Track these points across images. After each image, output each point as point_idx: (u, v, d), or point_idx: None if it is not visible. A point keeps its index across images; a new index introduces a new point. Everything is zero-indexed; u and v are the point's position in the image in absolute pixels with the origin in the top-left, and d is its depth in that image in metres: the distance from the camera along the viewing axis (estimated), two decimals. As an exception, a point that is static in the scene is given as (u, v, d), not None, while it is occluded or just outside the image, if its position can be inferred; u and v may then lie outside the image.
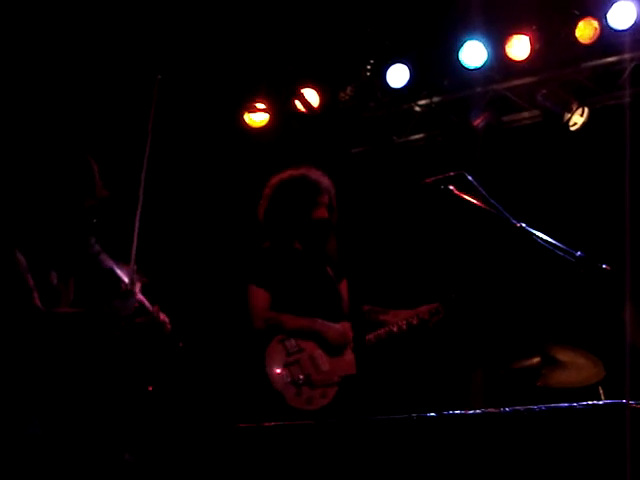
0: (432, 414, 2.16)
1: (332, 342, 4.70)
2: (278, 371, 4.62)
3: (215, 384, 6.83)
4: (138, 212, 3.76)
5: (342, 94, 6.81)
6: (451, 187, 4.51)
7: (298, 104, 6.76)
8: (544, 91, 6.56)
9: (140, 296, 3.77)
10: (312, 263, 4.92)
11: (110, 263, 3.77)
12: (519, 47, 6.34)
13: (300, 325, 4.71)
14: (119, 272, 3.77)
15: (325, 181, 4.90)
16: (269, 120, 6.99)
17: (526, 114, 6.87)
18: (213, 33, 6.26)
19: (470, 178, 4.51)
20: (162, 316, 3.89)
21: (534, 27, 6.27)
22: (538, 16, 6.27)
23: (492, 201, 4.36)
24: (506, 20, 6.34)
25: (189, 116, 6.84)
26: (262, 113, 6.97)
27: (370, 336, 4.78)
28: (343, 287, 4.96)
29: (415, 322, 4.84)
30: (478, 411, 2.13)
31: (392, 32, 6.58)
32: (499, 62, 6.48)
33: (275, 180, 5.01)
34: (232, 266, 5.35)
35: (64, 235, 3.70)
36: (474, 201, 4.48)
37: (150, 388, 6.96)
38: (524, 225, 4.17)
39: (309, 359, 4.69)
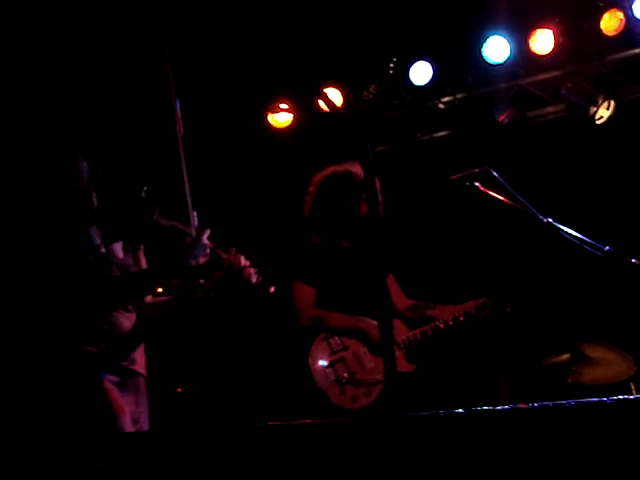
0: (460, 410, 2.14)
1: (376, 340, 4.61)
2: (322, 369, 4.60)
3: (259, 381, 6.86)
4: (185, 175, 3.70)
5: (365, 93, 6.79)
6: (477, 184, 4.49)
7: (321, 104, 6.76)
8: (569, 85, 6.51)
9: (209, 243, 3.66)
10: (359, 260, 4.87)
11: (170, 222, 3.69)
12: (543, 41, 6.29)
13: (344, 323, 4.67)
14: (182, 227, 3.69)
15: None
16: (292, 120, 7.00)
17: (551, 109, 6.82)
18: (235, 34, 6.27)
19: (495, 174, 4.50)
20: (241, 260, 3.76)
21: (557, 20, 6.22)
22: (561, 9, 6.22)
23: (518, 197, 4.34)
24: (529, 14, 6.29)
25: (213, 118, 6.86)
26: (285, 113, 6.97)
27: (416, 332, 4.76)
28: (389, 283, 4.93)
29: (462, 318, 4.77)
30: (507, 407, 2.11)
31: (414, 30, 6.55)
32: (523, 57, 6.44)
33: (319, 177, 4.97)
34: (277, 262, 5.35)
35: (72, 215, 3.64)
36: (500, 197, 4.47)
37: (179, 390, 7.02)
38: (551, 220, 4.15)
39: (354, 357, 4.65)
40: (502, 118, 6.68)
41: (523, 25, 6.32)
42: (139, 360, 3.69)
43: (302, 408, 4.66)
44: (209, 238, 3.65)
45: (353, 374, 4.59)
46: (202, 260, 3.62)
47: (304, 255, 4.87)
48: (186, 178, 3.69)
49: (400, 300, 4.95)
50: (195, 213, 3.69)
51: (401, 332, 4.75)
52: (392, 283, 4.97)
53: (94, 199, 3.68)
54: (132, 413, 3.60)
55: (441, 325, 4.76)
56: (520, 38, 6.34)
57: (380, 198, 4.79)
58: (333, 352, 4.65)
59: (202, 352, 7.16)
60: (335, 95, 6.71)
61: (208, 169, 6.87)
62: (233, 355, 7.15)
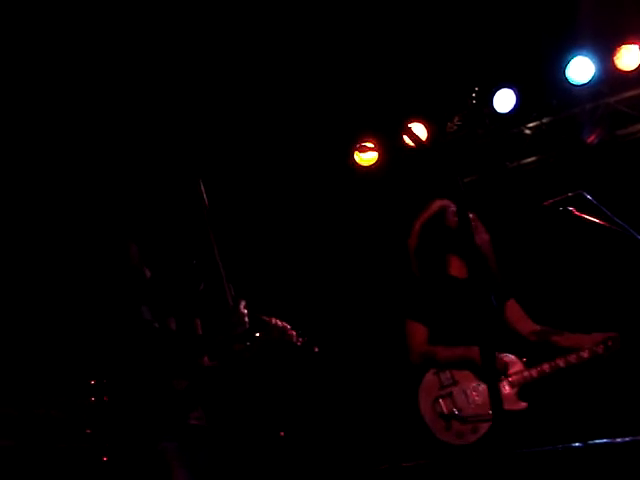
0: (577, 444, 2.07)
1: None
2: (429, 404, 4.56)
3: (370, 417, 6.87)
4: (215, 248, 3.82)
5: (450, 124, 6.78)
6: (570, 208, 4.41)
7: (407, 139, 6.77)
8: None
9: (245, 310, 3.78)
10: (470, 290, 4.79)
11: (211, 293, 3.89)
12: (628, 57, 6.18)
13: (454, 354, 4.60)
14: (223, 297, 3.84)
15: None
16: (378, 157, 7.02)
17: (641, 125, 6.68)
18: (320, 75, 6.35)
19: (589, 197, 4.41)
20: (282, 324, 3.93)
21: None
22: (645, 24, 6.12)
23: (615, 219, 4.24)
24: (612, 31, 6.20)
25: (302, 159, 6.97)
26: (371, 152, 7.01)
27: (532, 371, 4.58)
28: (509, 308, 4.82)
29: (586, 356, 4.50)
30: (627, 439, 2.03)
31: (495, 57, 6.52)
32: (608, 75, 6.33)
33: (424, 214, 4.98)
34: (387, 300, 5.36)
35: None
36: (596, 220, 4.38)
37: (282, 434, 7.04)
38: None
39: (462, 392, 4.57)
40: (591, 139, 6.57)
41: (606, 43, 6.23)
42: (197, 414, 3.81)
43: (410, 442, 4.63)
44: (245, 307, 3.78)
45: (460, 410, 4.52)
46: (241, 329, 3.76)
47: (413, 292, 4.84)
48: (216, 251, 3.82)
49: (524, 324, 4.81)
50: (231, 285, 3.82)
51: (514, 366, 4.63)
52: (513, 307, 4.85)
53: (147, 273, 3.84)
54: (190, 469, 3.71)
55: (562, 364, 4.57)
56: (604, 56, 6.25)
57: (484, 231, 4.78)
58: (442, 387, 4.59)
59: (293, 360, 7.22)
60: (420, 129, 6.71)
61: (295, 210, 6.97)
62: (342, 392, 7.18)
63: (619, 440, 1.90)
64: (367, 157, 7.06)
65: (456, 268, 4.85)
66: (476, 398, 4.55)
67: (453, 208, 4.79)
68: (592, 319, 5.86)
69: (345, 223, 7.33)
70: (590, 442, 1.91)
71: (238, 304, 3.78)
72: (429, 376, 4.62)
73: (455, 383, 4.57)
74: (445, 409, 4.52)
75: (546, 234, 6.43)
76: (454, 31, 6.25)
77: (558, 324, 4.81)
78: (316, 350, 3.96)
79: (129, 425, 3.67)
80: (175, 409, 3.75)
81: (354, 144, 7.02)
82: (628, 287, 6.07)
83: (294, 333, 3.93)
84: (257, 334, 3.90)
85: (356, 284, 7.34)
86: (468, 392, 4.57)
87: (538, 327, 4.78)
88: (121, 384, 3.75)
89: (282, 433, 7.05)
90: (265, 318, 3.92)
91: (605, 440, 1.94)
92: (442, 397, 4.55)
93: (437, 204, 4.91)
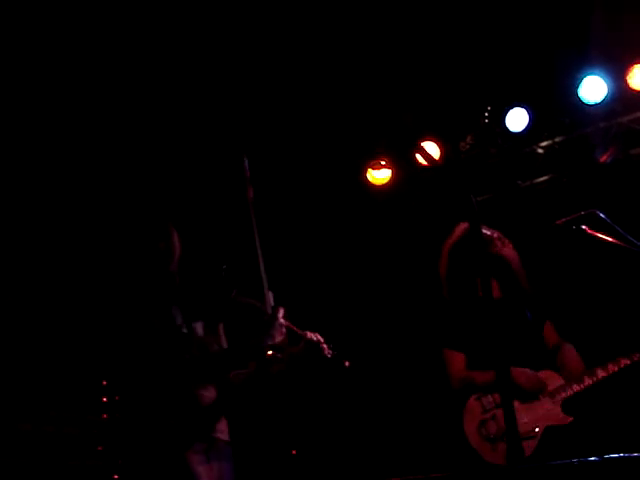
0: (594, 458, 2.07)
1: (524, 387, 4.53)
2: (473, 428, 4.60)
3: (416, 446, 6.85)
4: (260, 254, 3.78)
5: (462, 143, 6.79)
6: (583, 227, 4.40)
7: (420, 158, 6.79)
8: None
9: (284, 321, 3.75)
10: (506, 310, 4.80)
11: (247, 300, 3.82)
12: (641, 76, 6.18)
13: (491, 376, 4.56)
14: (259, 306, 3.78)
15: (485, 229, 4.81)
16: (391, 176, 7.03)
17: (655, 145, 6.67)
18: (334, 93, 6.37)
19: (603, 216, 4.40)
20: (315, 337, 3.86)
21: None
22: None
23: (629, 237, 4.23)
24: (624, 50, 6.20)
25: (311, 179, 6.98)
26: (384, 170, 7.02)
27: (573, 386, 4.59)
28: (546, 330, 4.82)
29: (629, 362, 4.54)
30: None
31: (508, 76, 6.53)
32: (620, 94, 6.33)
33: (451, 238, 4.97)
34: (422, 329, 5.35)
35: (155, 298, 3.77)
36: (609, 239, 4.36)
37: (294, 452, 7.02)
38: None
39: None
40: (604, 158, 6.56)
41: (619, 62, 6.23)
42: (221, 428, 3.79)
43: (458, 467, 4.68)
44: (284, 316, 3.74)
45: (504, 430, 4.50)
46: (278, 339, 3.72)
47: (448, 319, 4.85)
48: (261, 258, 3.79)
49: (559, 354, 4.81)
50: (271, 293, 3.78)
51: (554, 382, 4.64)
52: (549, 330, 4.85)
53: (177, 278, 3.83)
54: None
55: (603, 374, 4.58)
56: (617, 75, 6.25)
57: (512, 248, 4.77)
58: (485, 410, 4.62)
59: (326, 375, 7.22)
60: (433, 148, 6.72)
61: (312, 227, 6.97)
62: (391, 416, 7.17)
63: (635, 455, 1.90)
64: (380, 176, 7.06)
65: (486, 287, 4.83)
66: (520, 417, 4.51)
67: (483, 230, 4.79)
68: (606, 338, 5.84)
69: (355, 241, 7.32)
70: (606, 456, 1.91)
71: (276, 313, 3.73)
72: (472, 401, 4.66)
73: (498, 406, 4.56)
74: (490, 432, 4.55)
75: (559, 253, 6.41)
76: (467, 50, 6.27)
77: (572, 343, 4.80)
78: (347, 365, 3.93)
79: (154, 434, 3.63)
80: (201, 419, 3.70)
81: (367, 162, 7.03)
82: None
83: (326, 347, 3.89)
84: (291, 348, 3.84)
85: (375, 305, 7.33)
86: None
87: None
88: (144, 390, 3.70)
89: (294, 451, 7.03)
90: (299, 331, 3.86)
91: (621, 454, 1.94)
92: (486, 420, 4.58)
93: (462, 227, 4.89)
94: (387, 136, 6.86)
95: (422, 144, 6.64)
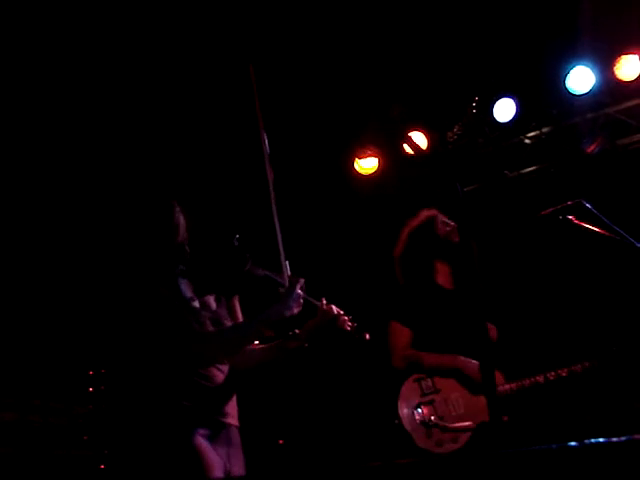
0: (573, 443, 2.07)
1: (475, 379, 4.52)
2: (410, 410, 4.52)
3: (348, 421, 6.82)
4: (277, 224, 3.69)
5: (450, 133, 6.78)
6: (570, 217, 4.42)
7: (407, 148, 6.78)
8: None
9: (302, 293, 3.63)
10: (457, 300, 4.81)
11: (263, 272, 3.68)
12: (628, 67, 6.19)
13: (441, 361, 4.59)
14: (275, 277, 3.67)
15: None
16: (378, 165, 7.03)
17: (641, 135, 6.68)
18: (320, 80, 6.35)
19: (589, 206, 4.41)
20: (333, 309, 3.74)
21: (642, 45, 6.12)
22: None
23: (615, 227, 4.24)
24: (612, 41, 6.21)
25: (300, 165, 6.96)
26: (371, 158, 7.01)
27: (512, 385, 4.59)
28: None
29: (564, 374, 4.56)
30: (622, 438, 2.02)
31: (495, 67, 6.53)
32: (608, 85, 6.35)
33: (412, 222, 4.97)
34: (370, 303, 5.29)
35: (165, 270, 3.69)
36: (595, 229, 4.38)
37: (281, 442, 7.02)
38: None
39: (443, 401, 4.55)
40: (591, 148, 6.58)
41: (606, 53, 6.24)
42: (231, 412, 3.68)
43: (387, 448, 4.62)
44: (302, 288, 3.65)
45: (441, 418, 4.50)
46: (296, 310, 3.61)
47: (401, 296, 4.83)
48: (278, 227, 3.70)
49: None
50: (287, 263, 3.69)
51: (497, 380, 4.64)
52: (491, 330, 4.85)
53: (187, 250, 3.73)
54: (224, 466, 3.60)
55: (541, 380, 4.60)
56: (604, 66, 6.26)
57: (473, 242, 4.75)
58: (423, 394, 4.55)
59: (295, 397, 7.18)
60: (420, 138, 6.72)
61: (298, 217, 6.95)
62: (325, 398, 7.13)
63: (615, 440, 1.90)
64: (367, 165, 7.06)
65: (443, 277, 4.85)
66: (457, 408, 4.53)
67: (442, 217, 4.81)
68: (590, 328, 5.86)
69: (344, 229, 7.31)
70: (586, 441, 1.91)
71: (295, 284, 3.62)
72: (410, 382, 4.58)
73: (437, 391, 4.54)
74: (426, 417, 4.49)
75: (545, 243, 6.42)
76: (455, 40, 6.26)
77: (555, 333, 4.82)
78: (367, 337, 3.80)
79: (163, 413, 3.54)
80: (211, 400, 3.60)
81: (354, 152, 7.02)
82: (627, 296, 6.06)
83: (347, 319, 3.76)
84: (308, 322, 3.72)
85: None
86: (450, 402, 4.55)
87: None
88: (148, 368, 3.59)
89: (281, 441, 7.04)
90: (316, 302, 3.73)
91: (602, 440, 1.94)
92: (424, 404, 4.52)
93: (425, 213, 4.91)
94: (374, 125, 6.85)
95: (410, 134, 6.64)
